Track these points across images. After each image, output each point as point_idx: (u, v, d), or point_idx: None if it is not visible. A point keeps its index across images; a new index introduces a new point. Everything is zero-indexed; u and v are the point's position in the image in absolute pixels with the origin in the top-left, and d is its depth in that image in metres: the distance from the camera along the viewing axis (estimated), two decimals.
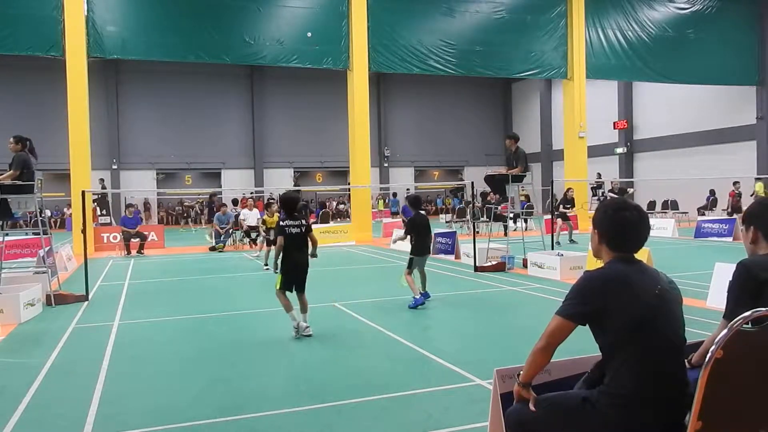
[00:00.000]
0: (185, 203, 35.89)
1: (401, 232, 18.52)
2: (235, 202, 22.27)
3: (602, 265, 2.64)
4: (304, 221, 6.92)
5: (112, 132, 34.04)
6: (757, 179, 24.43)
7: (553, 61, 23.02)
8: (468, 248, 13.36)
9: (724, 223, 18.53)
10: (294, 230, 6.79)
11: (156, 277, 13.25)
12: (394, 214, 33.37)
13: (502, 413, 2.88)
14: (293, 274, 6.84)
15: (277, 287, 6.91)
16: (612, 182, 19.70)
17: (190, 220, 33.48)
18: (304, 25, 20.38)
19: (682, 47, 24.16)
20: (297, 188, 31.91)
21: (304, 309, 6.90)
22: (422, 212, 9.21)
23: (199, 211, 34.37)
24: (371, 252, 17.28)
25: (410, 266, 8.71)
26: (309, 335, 6.83)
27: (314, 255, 7.16)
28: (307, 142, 36.83)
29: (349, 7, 20.40)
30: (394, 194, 38.23)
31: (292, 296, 7.02)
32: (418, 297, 8.54)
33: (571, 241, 17.77)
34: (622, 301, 2.44)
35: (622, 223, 2.60)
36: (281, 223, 6.91)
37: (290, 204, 6.99)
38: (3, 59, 26.15)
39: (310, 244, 7.04)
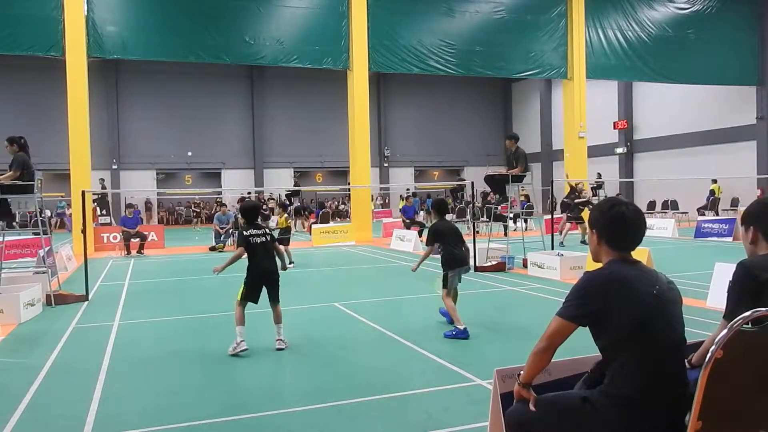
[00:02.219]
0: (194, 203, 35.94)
1: (402, 231, 18.67)
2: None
3: (601, 266, 2.64)
4: (267, 230, 6.70)
5: (112, 132, 34.03)
6: (714, 180, 24.61)
7: (553, 61, 23.00)
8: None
9: (724, 223, 18.53)
10: (258, 239, 6.53)
11: (156, 277, 13.25)
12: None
13: (502, 413, 2.88)
14: (258, 284, 6.54)
15: (238, 298, 6.55)
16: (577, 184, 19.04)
17: (199, 220, 33.51)
18: (304, 25, 20.37)
19: (682, 47, 24.14)
20: (297, 188, 31.86)
21: (277, 319, 6.60)
22: (446, 219, 7.89)
23: (197, 212, 34.49)
24: (371, 252, 17.28)
25: (446, 284, 7.15)
26: (281, 348, 6.46)
27: (284, 268, 6.92)
28: (307, 142, 36.82)
29: (349, 7, 20.38)
30: (414, 194, 32.09)
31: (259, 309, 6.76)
32: (460, 327, 6.86)
33: (583, 242, 16.38)
34: (622, 301, 2.44)
35: (617, 219, 2.61)
36: (244, 233, 6.60)
37: (251, 212, 6.80)
38: (3, 59, 26.13)
39: (277, 256, 6.75)
